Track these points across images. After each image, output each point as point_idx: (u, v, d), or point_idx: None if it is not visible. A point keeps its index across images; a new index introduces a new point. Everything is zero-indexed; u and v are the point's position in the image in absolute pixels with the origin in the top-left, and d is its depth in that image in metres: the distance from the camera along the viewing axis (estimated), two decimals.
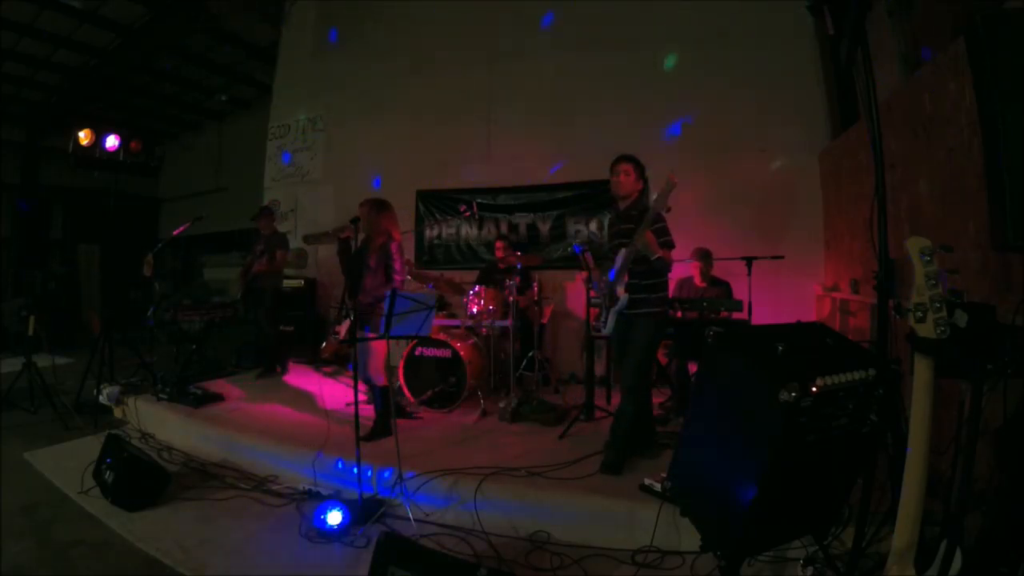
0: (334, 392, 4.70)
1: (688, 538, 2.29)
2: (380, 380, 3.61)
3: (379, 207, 3.68)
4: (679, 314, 3.93)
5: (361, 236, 3.60)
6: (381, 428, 3.55)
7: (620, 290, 3.00)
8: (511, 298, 4.38)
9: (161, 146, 5.84)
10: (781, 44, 5.18)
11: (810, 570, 2.09)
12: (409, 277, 4.73)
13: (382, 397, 3.61)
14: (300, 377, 5.41)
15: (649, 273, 2.97)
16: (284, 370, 5.50)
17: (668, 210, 2.85)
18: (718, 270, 4.45)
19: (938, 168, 2.72)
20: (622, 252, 3.01)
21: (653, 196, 2.87)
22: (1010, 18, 1.77)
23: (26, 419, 4.36)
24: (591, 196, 5.60)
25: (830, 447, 1.71)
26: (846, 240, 4.38)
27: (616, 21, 5.80)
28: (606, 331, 3.17)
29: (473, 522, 2.65)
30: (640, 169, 3.12)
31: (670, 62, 5.67)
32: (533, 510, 2.66)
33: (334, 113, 7.28)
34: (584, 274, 3.65)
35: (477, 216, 5.96)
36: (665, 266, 2.94)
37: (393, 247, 3.61)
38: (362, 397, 4.27)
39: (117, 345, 4.82)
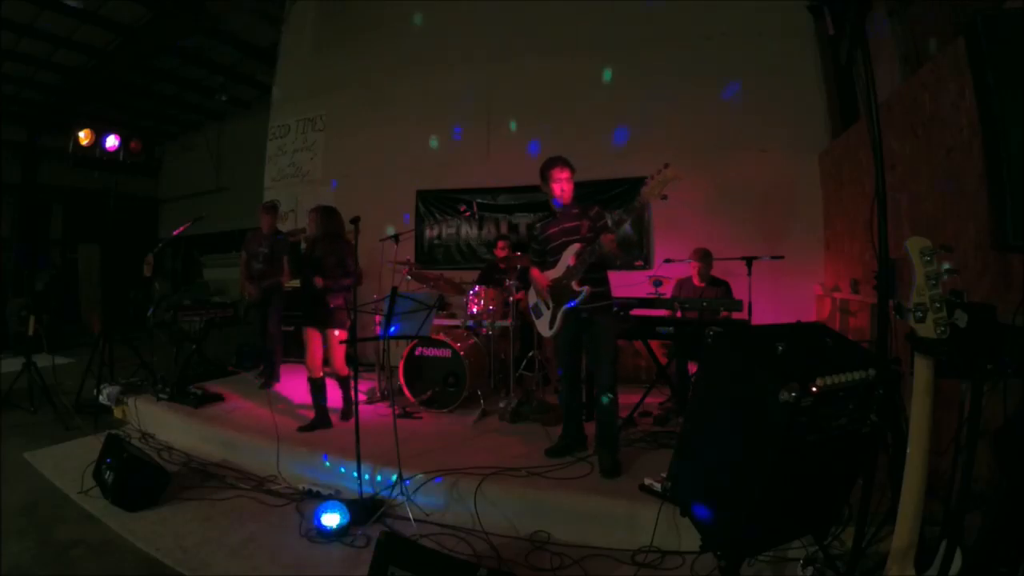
0: (334, 392, 4.69)
1: (688, 538, 2.29)
2: (314, 373, 3.86)
3: (331, 212, 3.91)
4: (679, 314, 3.93)
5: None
6: (319, 420, 3.84)
7: (575, 284, 2.97)
8: (512, 298, 4.38)
9: (161, 146, 5.84)
10: (781, 44, 5.18)
11: (810, 570, 2.09)
12: (409, 277, 4.74)
13: (314, 390, 3.90)
14: (300, 378, 5.40)
15: (601, 267, 3.02)
16: (277, 380, 5.23)
17: (665, 198, 2.84)
18: (718, 270, 4.45)
19: (938, 168, 2.72)
20: (574, 247, 3.02)
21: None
22: (1010, 18, 1.77)
23: (26, 419, 4.36)
24: (591, 196, 5.57)
25: (830, 447, 1.71)
26: (846, 240, 4.38)
27: (616, 21, 5.81)
28: (551, 332, 3.12)
29: (473, 522, 2.65)
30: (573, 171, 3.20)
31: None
32: (533, 510, 2.66)
33: (334, 113, 7.28)
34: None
35: (477, 216, 5.96)
36: (616, 255, 2.97)
37: (348, 249, 3.81)
38: (362, 398, 4.30)
39: (117, 345, 4.82)
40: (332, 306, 3.74)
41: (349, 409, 3.92)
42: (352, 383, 3.59)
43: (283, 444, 3.40)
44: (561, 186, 3.15)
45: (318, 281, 3.70)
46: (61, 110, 9.29)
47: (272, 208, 5.35)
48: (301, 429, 3.72)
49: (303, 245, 4.01)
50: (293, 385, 5.12)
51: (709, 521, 1.92)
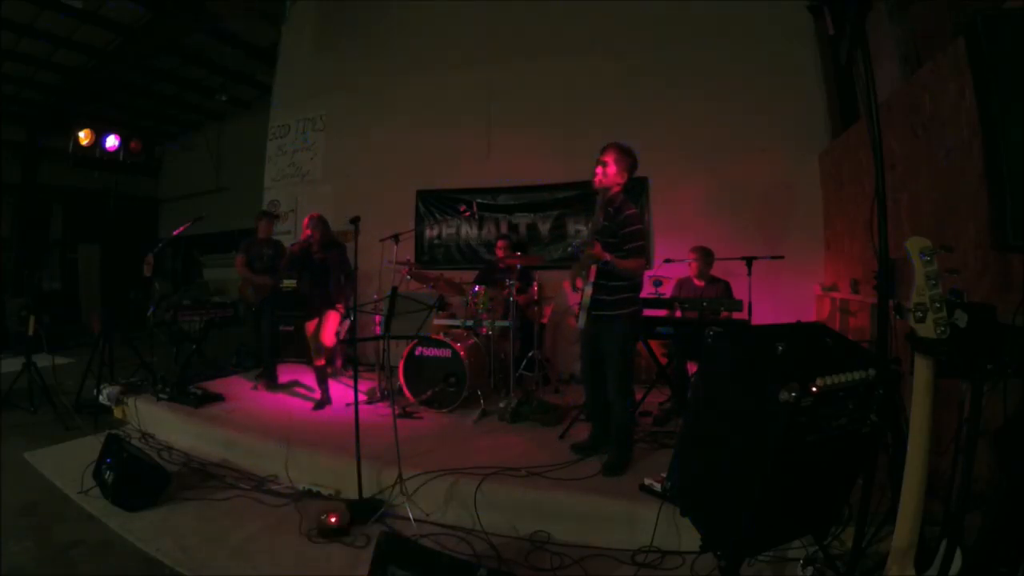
0: (335, 392, 4.70)
1: (688, 538, 2.29)
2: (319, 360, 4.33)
3: (326, 222, 4.29)
4: (679, 314, 3.93)
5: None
6: (324, 399, 4.33)
7: (588, 288, 2.94)
8: (512, 298, 4.37)
9: (161, 146, 5.84)
10: (781, 44, 5.18)
11: (810, 570, 2.09)
12: (409, 277, 4.75)
13: (319, 375, 4.39)
14: (300, 377, 5.41)
15: (614, 274, 2.91)
16: (275, 381, 5.11)
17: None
18: (718, 270, 4.45)
19: (938, 168, 2.72)
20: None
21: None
22: (1010, 18, 1.77)
23: (26, 419, 4.36)
24: (591, 196, 5.58)
25: (830, 447, 1.71)
26: (846, 240, 4.38)
27: (615, 21, 5.81)
28: (580, 326, 3.08)
29: (473, 522, 2.66)
30: (626, 160, 2.93)
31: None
32: (533, 510, 2.66)
33: (334, 113, 7.28)
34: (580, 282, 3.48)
35: (477, 216, 5.96)
36: (628, 272, 2.88)
37: (346, 255, 4.24)
38: (362, 398, 4.30)
39: (117, 345, 4.82)
40: (334, 299, 4.16)
41: (325, 401, 4.31)
42: (353, 383, 3.62)
43: (284, 444, 3.40)
44: (595, 167, 2.97)
45: (339, 308, 4.19)
46: (61, 110, 9.28)
47: (269, 215, 5.50)
48: (315, 408, 4.26)
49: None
50: (295, 385, 5.13)
51: (709, 521, 1.93)
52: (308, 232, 4.18)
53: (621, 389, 3.00)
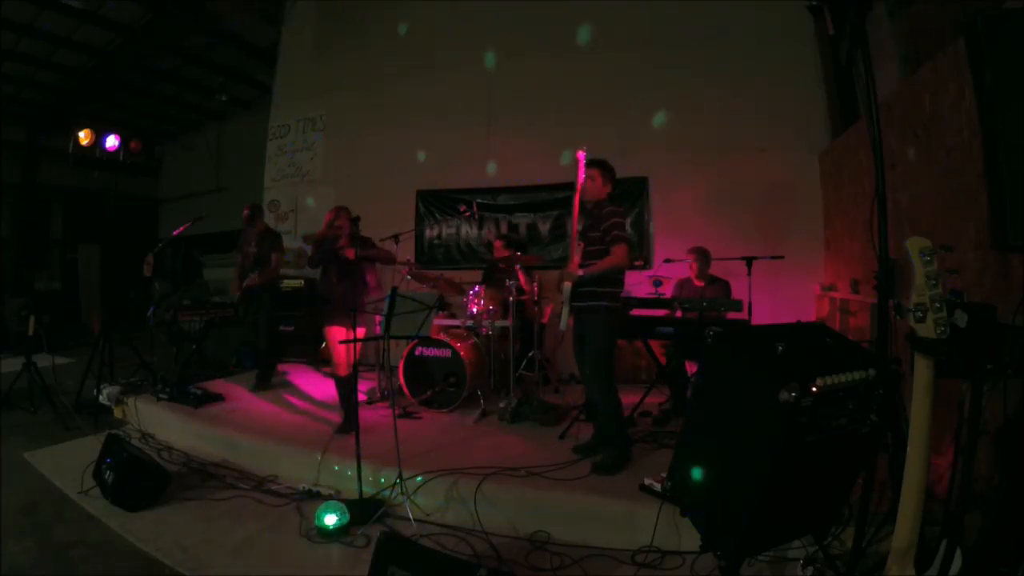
0: (333, 392, 4.69)
1: (688, 538, 2.29)
2: (341, 371, 3.66)
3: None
4: (679, 314, 3.93)
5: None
6: (347, 422, 3.56)
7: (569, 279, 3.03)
8: (511, 298, 4.37)
9: (161, 146, 5.80)
10: (781, 44, 5.19)
11: (810, 570, 2.09)
12: (409, 277, 4.75)
13: (341, 389, 3.72)
14: (300, 377, 5.41)
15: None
16: (269, 385, 4.98)
17: (575, 186, 3.12)
18: (718, 270, 4.45)
19: (938, 168, 2.72)
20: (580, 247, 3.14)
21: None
22: (1010, 18, 1.78)
23: (26, 419, 4.36)
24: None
25: (830, 447, 1.71)
26: (846, 240, 4.38)
27: (616, 21, 5.81)
28: (561, 326, 3.09)
29: (473, 522, 2.65)
30: (607, 174, 3.18)
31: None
32: (533, 510, 2.65)
33: (334, 113, 7.29)
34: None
35: (477, 216, 5.96)
36: (613, 266, 2.96)
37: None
38: (362, 398, 4.30)
39: (117, 345, 4.82)
40: (362, 304, 3.67)
41: (351, 422, 3.50)
42: (342, 384, 3.60)
43: (284, 444, 3.41)
44: (584, 185, 3.17)
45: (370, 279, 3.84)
46: (61, 110, 9.28)
47: (252, 218, 5.08)
48: (338, 432, 3.51)
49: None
50: (296, 385, 5.13)
51: (709, 521, 1.93)
52: (342, 224, 3.70)
53: (599, 382, 3.03)
